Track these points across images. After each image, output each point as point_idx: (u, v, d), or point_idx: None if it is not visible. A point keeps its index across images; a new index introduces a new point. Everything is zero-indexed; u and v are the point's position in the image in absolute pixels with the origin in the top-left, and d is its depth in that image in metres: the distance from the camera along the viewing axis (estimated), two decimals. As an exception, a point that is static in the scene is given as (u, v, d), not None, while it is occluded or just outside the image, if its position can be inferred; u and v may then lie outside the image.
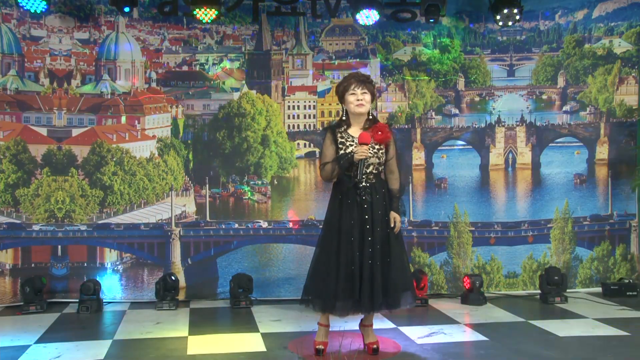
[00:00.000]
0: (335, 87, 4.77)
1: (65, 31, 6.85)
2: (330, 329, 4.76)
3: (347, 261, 4.45)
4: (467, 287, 6.48)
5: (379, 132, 4.51)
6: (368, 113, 4.62)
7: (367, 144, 4.44)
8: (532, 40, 7.34)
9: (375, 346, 4.66)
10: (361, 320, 4.78)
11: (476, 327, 5.54)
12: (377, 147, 4.55)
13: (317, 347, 4.66)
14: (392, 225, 4.56)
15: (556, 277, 6.49)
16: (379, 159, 4.57)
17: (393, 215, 4.58)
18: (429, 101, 7.24)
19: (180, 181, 6.97)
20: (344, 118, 4.65)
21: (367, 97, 4.56)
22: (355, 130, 4.60)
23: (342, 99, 4.64)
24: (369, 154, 4.47)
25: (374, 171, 4.57)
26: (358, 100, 4.54)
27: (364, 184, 4.53)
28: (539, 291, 6.65)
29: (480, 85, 7.30)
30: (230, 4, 6.80)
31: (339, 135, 4.58)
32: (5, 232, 6.66)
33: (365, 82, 4.57)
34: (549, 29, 7.33)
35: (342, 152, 4.53)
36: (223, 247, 6.95)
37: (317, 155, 6.75)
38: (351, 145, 4.53)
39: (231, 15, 7.06)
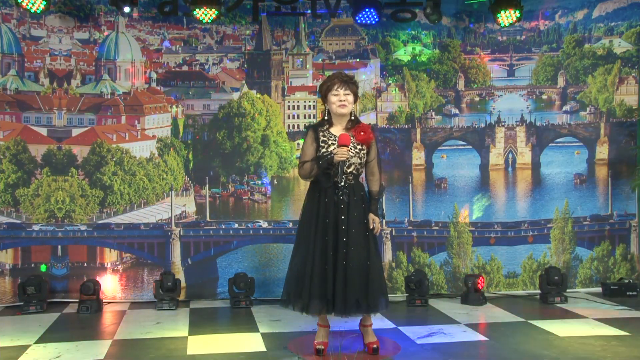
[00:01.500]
0: (319, 86, 4.79)
1: (65, 31, 6.85)
2: (330, 329, 4.77)
3: (320, 260, 4.46)
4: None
5: (362, 133, 4.52)
6: (351, 113, 4.63)
7: (346, 146, 4.45)
8: (532, 40, 7.34)
9: (375, 346, 4.66)
10: (360, 320, 4.77)
11: (476, 327, 5.55)
12: (359, 147, 4.57)
13: (317, 347, 4.67)
14: (371, 227, 4.56)
15: (556, 277, 6.49)
16: (360, 159, 4.58)
17: (372, 217, 4.58)
18: (429, 101, 7.24)
19: (180, 181, 6.97)
20: (326, 118, 4.67)
21: (350, 97, 4.57)
22: (337, 130, 4.61)
23: (324, 98, 4.66)
24: (350, 155, 4.47)
25: (354, 172, 4.58)
26: (340, 101, 4.55)
27: (342, 184, 4.53)
28: (539, 291, 6.65)
29: (480, 85, 7.31)
30: (230, 4, 6.80)
31: (321, 134, 4.60)
32: (5, 232, 6.66)
33: (348, 82, 4.59)
34: (549, 29, 7.33)
35: (324, 150, 4.54)
36: (223, 247, 6.95)
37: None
38: (333, 144, 4.54)
39: (231, 15, 7.06)
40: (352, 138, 4.52)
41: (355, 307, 4.46)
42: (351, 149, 4.51)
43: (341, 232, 4.48)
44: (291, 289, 4.59)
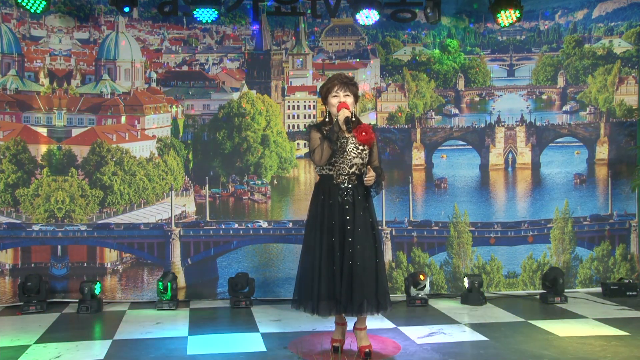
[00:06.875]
0: (319, 88, 4.81)
1: (65, 31, 6.85)
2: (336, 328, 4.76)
3: (328, 261, 4.48)
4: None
5: (363, 133, 4.52)
6: (351, 114, 4.63)
7: (347, 109, 4.46)
8: (532, 40, 7.34)
9: (367, 350, 4.61)
10: (355, 323, 4.76)
11: (476, 327, 5.54)
12: (360, 147, 4.57)
13: (333, 344, 4.70)
14: (368, 173, 4.48)
15: (556, 277, 6.49)
16: (362, 159, 4.59)
17: (370, 169, 4.49)
18: (429, 101, 7.24)
19: (180, 181, 6.97)
20: (326, 120, 4.68)
21: (350, 99, 4.58)
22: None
23: (325, 100, 4.67)
24: (351, 115, 4.45)
25: (356, 172, 4.58)
26: (340, 103, 4.55)
27: (346, 185, 4.54)
28: (539, 291, 6.64)
29: (480, 86, 7.31)
30: (230, 4, 6.80)
31: (324, 131, 4.58)
32: (5, 232, 6.66)
33: (348, 84, 4.59)
34: (549, 29, 7.33)
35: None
36: (223, 247, 6.95)
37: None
38: (336, 141, 4.54)
39: (231, 15, 7.06)
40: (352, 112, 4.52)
41: (365, 306, 4.45)
42: (353, 149, 4.53)
43: (347, 233, 4.49)
44: (301, 290, 4.60)
